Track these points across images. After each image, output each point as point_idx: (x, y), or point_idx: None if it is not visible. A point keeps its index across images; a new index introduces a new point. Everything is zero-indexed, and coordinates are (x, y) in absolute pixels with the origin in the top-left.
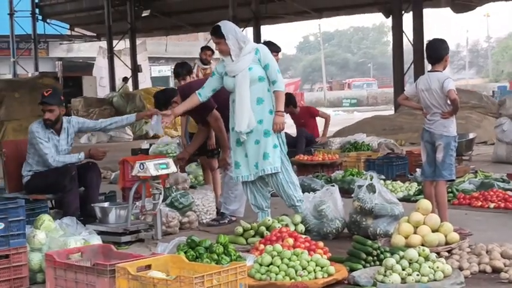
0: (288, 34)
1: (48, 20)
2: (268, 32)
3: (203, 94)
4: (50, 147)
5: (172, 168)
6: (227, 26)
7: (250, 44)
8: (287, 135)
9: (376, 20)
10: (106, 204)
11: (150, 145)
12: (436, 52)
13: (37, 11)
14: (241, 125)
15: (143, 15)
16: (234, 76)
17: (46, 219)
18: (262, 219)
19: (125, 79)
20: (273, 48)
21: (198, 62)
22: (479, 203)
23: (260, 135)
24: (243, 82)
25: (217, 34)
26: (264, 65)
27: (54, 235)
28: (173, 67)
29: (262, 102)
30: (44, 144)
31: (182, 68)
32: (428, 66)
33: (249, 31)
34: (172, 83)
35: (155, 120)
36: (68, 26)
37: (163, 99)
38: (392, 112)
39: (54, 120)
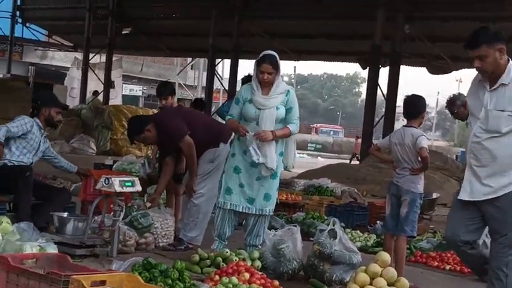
0: None
1: (27, 24)
2: (245, 65)
3: (236, 117)
4: (15, 127)
5: (138, 187)
6: (278, 59)
7: (283, 83)
8: None
9: (350, 70)
10: (65, 215)
11: (114, 162)
12: (414, 108)
13: (18, 13)
14: (273, 163)
15: (123, 32)
16: (259, 108)
17: (4, 221)
18: (217, 247)
19: (95, 93)
20: None
21: None
22: (436, 263)
23: (267, 175)
24: (270, 119)
25: (276, 64)
26: (289, 107)
27: (11, 238)
28: (145, 88)
29: (276, 143)
30: (21, 123)
31: (165, 87)
32: (397, 122)
33: (227, 62)
34: (142, 103)
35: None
36: (45, 32)
37: (137, 126)
38: (356, 162)
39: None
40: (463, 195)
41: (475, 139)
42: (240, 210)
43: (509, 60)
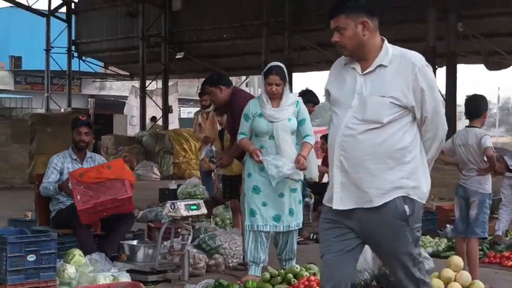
0: (318, 82)
1: (83, 58)
2: (300, 79)
3: (248, 134)
4: (53, 174)
5: (203, 209)
6: (285, 70)
7: (292, 94)
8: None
9: None
10: (135, 242)
11: (178, 186)
12: (476, 108)
13: (73, 48)
14: (299, 173)
15: (177, 57)
16: (271, 121)
17: (77, 253)
18: (254, 272)
19: (153, 119)
20: (313, 99)
21: (201, 108)
22: (510, 263)
23: (287, 190)
24: (285, 131)
25: (283, 75)
26: (301, 119)
27: (84, 270)
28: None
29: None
30: (50, 170)
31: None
32: (459, 122)
33: None
34: None
35: None
36: (101, 64)
37: (215, 78)
38: None
39: (87, 144)
40: (336, 205)
41: (347, 131)
42: (268, 230)
43: (383, 39)
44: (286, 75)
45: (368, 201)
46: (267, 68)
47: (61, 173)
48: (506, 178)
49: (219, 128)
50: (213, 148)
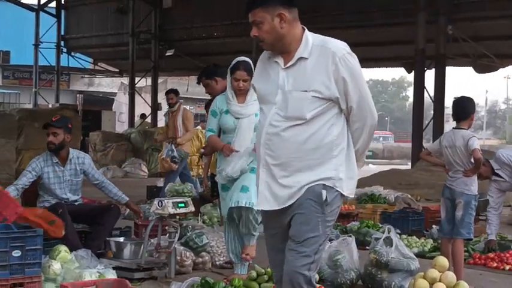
0: None
1: (72, 53)
2: None
3: (216, 131)
4: (24, 177)
5: (191, 207)
6: (252, 65)
7: None
8: None
9: (396, 75)
10: (121, 239)
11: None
12: (464, 110)
13: (62, 43)
14: (235, 170)
15: (167, 54)
16: (238, 118)
17: (62, 249)
18: (240, 272)
19: (143, 116)
20: None
21: (168, 108)
22: (495, 264)
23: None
24: (249, 127)
25: (251, 71)
26: None
27: (70, 266)
28: (191, 107)
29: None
30: (24, 173)
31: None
32: (447, 124)
33: None
34: None
35: None
36: (91, 60)
37: (212, 70)
38: (408, 167)
39: (58, 145)
40: (261, 205)
41: (271, 129)
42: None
43: (304, 29)
44: (253, 70)
45: (293, 195)
46: (233, 63)
47: (41, 177)
48: (493, 182)
49: (180, 129)
50: (174, 147)
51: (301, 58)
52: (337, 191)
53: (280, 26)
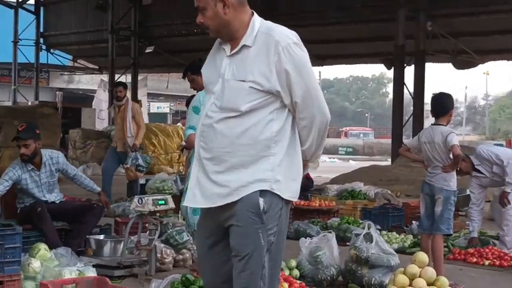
0: None
1: (51, 50)
2: None
3: None
4: (1, 185)
5: (171, 204)
6: None
7: None
8: None
9: (376, 71)
10: (101, 237)
11: (147, 180)
12: (442, 106)
13: (41, 40)
14: None
15: (147, 51)
16: None
17: (42, 247)
18: None
19: None
20: None
21: (114, 100)
22: (474, 260)
23: None
24: None
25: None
26: None
27: (49, 264)
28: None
29: None
30: (1, 181)
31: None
32: (427, 120)
33: None
34: (170, 120)
35: None
36: (70, 57)
37: (197, 65)
38: (388, 163)
39: (31, 155)
40: (189, 201)
41: (206, 120)
42: None
43: (253, 13)
44: None
45: (225, 196)
46: None
47: (18, 183)
48: (474, 178)
49: (130, 126)
50: (138, 156)
51: (244, 46)
52: (275, 194)
53: (223, 11)
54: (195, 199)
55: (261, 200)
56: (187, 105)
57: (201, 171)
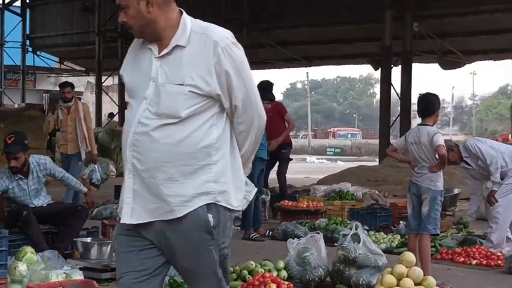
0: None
1: (38, 52)
2: (257, 76)
3: None
4: None
5: None
6: None
7: None
8: None
9: (363, 71)
10: (88, 240)
11: None
12: (429, 106)
13: (28, 42)
14: None
15: None
16: None
17: (28, 251)
18: None
19: (111, 115)
20: (265, 96)
21: (60, 102)
22: (462, 259)
23: None
24: None
25: None
26: None
27: (36, 268)
28: None
29: None
30: None
31: None
32: (414, 120)
33: None
34: None
35: None
36: (57, 59)
37: None
38: (376, 163)
39: (21, 167)
40: (126, 218)
41: (140, 128)
42: None
43: (182, 12)
44: None
45: (168, 211)
46: None
47: (6, 192)
48: (464, 169)
49: (83, 127)
50: (97, 169)
51: (177, 46)
52: (221, 206)
53: (147, 10)
54: (137, 214)
55: (210, 216)
56: None
57: (138, 184)
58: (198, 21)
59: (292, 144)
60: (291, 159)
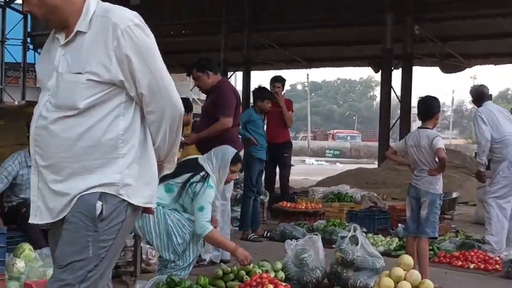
0: None
1: (39, 50)
2: (257, 77)
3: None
4: (2, 183)
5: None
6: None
7: None
8: None
9: (364, 74)
10: None
11: None
12: (428, 109)
13: (29, 40)
14: None
15: None
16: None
17: (26, 248)
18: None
19: None
20: (266, 95)
21: None
22: (460, 263)
23: None
24: None
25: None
26: None
27: (34, 265)
28: None
29: None
30: (1, 178)
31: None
32: (413, 124)
33: (239, 75)
34: None
35: None
36: None
37: (204, 63)
38: (375, 166)
39: None
40: (34, 217)
41: (40, 122)
42: None
43: None
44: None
45: (67, 206)
46: (235, 155)
47: (15, 178)
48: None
49: None
50: None
51: (79, 32)
52: (123, 200)
53: None
54: (41, 214)
55: (99, 204)
56: None
57: (42, 181)
58: (105, 3)
59: (292, 144)
60: (293, 165)
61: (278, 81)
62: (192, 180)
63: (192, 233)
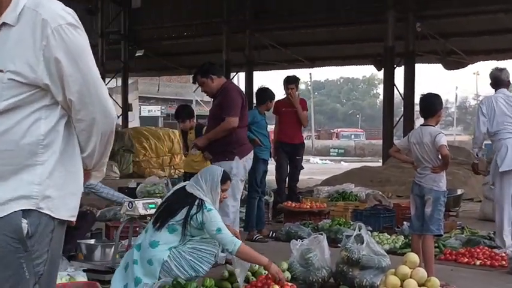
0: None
1: None
2: (260, 77)
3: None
4: None
5: None
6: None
7: None
8: None
9: (367, 72)
10: (92, 241)
11: (138, 184)
12: (431, 106)
13: None
14: None
15: (137, 55)
16: None
17: None
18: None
19: None
20: (268, 95)
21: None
22: (466, 260)
23: None
24: None
25: None
26: None
27: None
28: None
29: None
30: None
31: (183, 111)
32: (417, 121)
33: (241, 76)
34: (161, 124)
35: None
36: None
37: (207, 68)
38: (379, 164)
39: None
40: None
41: None
42: None
43: None
44: None
45: None
46: (224, 176)
47: None
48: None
49: None
50: None
51: (4, 24)
52: (44, 214)
53: None
54: None
55: (25, 223)
56: (176, 118)
57: None
58: None
59: (304, 145)
60: (303, 168)
61: (291, 81)
62: (191, 214)
63: (211, 245)
